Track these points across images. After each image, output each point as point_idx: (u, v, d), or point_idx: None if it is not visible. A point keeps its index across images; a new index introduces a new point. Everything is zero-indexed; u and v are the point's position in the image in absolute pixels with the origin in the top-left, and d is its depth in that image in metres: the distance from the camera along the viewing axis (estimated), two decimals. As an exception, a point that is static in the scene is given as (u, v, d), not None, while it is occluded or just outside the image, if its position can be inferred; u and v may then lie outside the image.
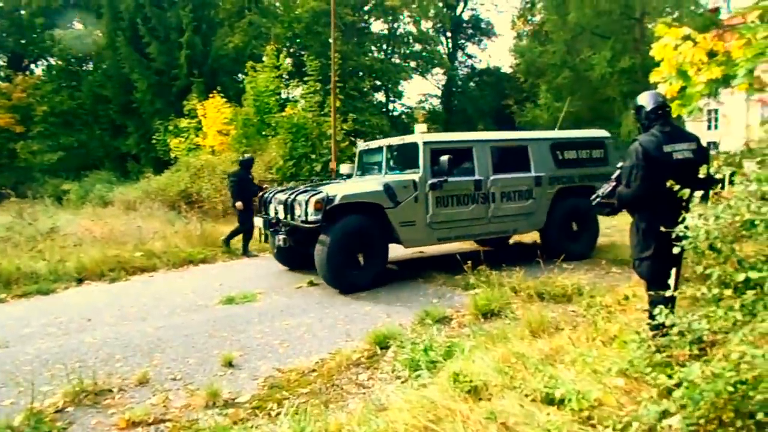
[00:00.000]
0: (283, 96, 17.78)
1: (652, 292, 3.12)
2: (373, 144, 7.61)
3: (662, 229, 2.90)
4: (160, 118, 18.70)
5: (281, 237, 6.37)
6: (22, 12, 27.49)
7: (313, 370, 3.79)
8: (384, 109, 36.90)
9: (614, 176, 3.61)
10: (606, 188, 3.62)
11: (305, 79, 14.73)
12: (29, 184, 21.60)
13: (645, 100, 3.44)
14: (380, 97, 38.24)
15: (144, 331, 4.78)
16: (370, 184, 6.33)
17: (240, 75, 21.30)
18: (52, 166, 23.60)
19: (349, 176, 7.69)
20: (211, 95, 15.95)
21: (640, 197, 3.32)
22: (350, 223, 5.94)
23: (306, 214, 5.83)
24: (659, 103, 3.41)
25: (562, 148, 7.42)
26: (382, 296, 5.79)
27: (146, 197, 13.30)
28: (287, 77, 17.44)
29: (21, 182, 21.86)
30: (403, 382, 3.46)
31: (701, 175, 2.75)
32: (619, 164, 3.62)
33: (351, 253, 5.98)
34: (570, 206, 7.33)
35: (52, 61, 28.53)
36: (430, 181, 6.33)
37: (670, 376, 2.26)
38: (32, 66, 30.75)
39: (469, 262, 5.16)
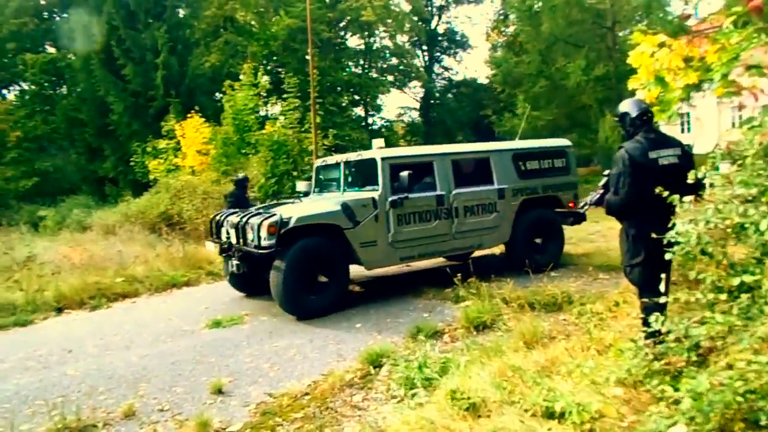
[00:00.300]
0: (262, 114, 17.71)
1: (645, 299, 3.09)
2: (330, 160, 7.33)
3: (653, 235, 2.89)
4: (138, 140, 18.45)
5: (234, 263, 6.03)
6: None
7: (306, 394, 3.70)
8: (363, 123, 37.01)
9: (601, 184, 3.62)
10: (594, 196, 3.63)
11: (284, 96, 14.67)
12: (3, 211, 21.11)
13: (629, 107, 3.46)
14: (359, 111, 38.37)
15: (128, 360, 4.63)
16: (327, 203, 6.03)
17: (218, 94, 21.18)
18: (27, 192, 23.07)
19: (306, 194, 7.38)
20: (189, 115, 15.79)
21: (629, 204, 3.31)
22: (307, 246, 5.62)
23: (259, 239, 5.49)
24: (643, 109, 3.43)
25: (524, 158, 7.26)
26: (372, 313, 5.72)
27: (126, 221, 13.05)
28: (265, 95, 17.35)
29: (-5, 210, 21.36)
30: (399, 402, 3.38)
31: (690, 181, 2.74)
32: (606, 172, 3.63)
33: (308, 278, 5.67)
34: (535, 218, 7.21)
35: (25, 85, 28.08)
36: (390, 199, 6.06)
37: (676, 388, 2.21)
38: (4, 91, 30.26)
39: (459, 274, 5.13)
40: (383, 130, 40.28)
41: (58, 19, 26.93)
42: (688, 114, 26.28)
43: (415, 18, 39.40)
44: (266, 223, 5.43)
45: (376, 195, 6.05)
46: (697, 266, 2.68)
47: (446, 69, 45.29)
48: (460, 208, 6.60)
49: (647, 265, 3.31)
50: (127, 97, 20.73)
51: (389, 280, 7.50)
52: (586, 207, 3.72)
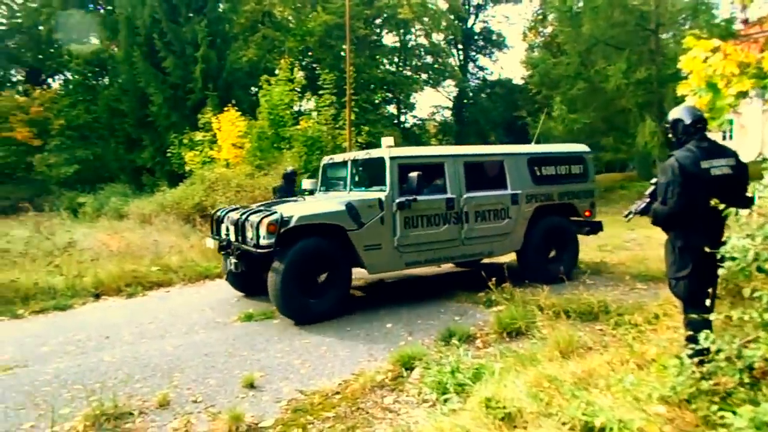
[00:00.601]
0: (296, 109, 17.83)
1: (694, 315, 2.97)
2: (338, 158, 7.09)
3: (706, 249, 2.78)
4: (175, 132, 18.81)
5: (233, 261, 5.81)
6: (41, 27, 27.99)
7: (337, 393, 3.69)
8: (396, 121, 36.99)
9: (648, 192, 3.49)
10: (639, 204, 3.50)
11: (320, 92, 14.74)
12: (45, 196, 21.85)
13: (682, 113, 3.32)
14: (392, 109, 38.38)
15: (163, 349, 4.71)
16: (331, 203, 5.79)
17: (253, 88, 21.43)
18: (68, 179, 23.81)
19: (311, 192, 7.15)
20: (225, 109, 16.01)
21: (677, 214, 3.19)
22: (307, 247, 5.39)
23: (258, 238, 5.28)
24: (697, 117, 3.28)
25: (540, 163, 6.97)
26: (402, 313, 5.69)
27: (161, 210, 13.32)
28: (300, 90, 17.48)
29: (37, 195, 22.12)
30: (431, 406, 3.34)
31: (749, 194, 2.62)
32: (653, 180, 3.51)
33: (308, 281, 5.44)
34: (549, 226, 6.93)
35: (69, 75, 28.96)
36: (397, 200, 5.81)
37: (733, 412, 2.11)
38: (49, 80, 31.28)
39: (494, 278, 5.05)
40: (415, 128, 40.22)
41: (102, 11, 27.65)
42: (731, 121, 25.42)
43: (452, 16, 39.12)
44: (266, 221, 5.23)
45: (382, 196, 5.82)
46: (753, 284, 2.55)
47: (481, 68, 44.89)
48: (470, 213, 6.33)
49: (694, 279, 3.19)
50: (166, 89, 21.16)
51: (419, 281, 7.45)
52: (630, 216, 3.59)
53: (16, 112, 24.35)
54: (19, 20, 28.34)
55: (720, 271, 2.71)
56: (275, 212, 5.33)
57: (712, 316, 2.81)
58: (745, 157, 4.12)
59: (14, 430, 3.23)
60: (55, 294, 6.76)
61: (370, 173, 6.43)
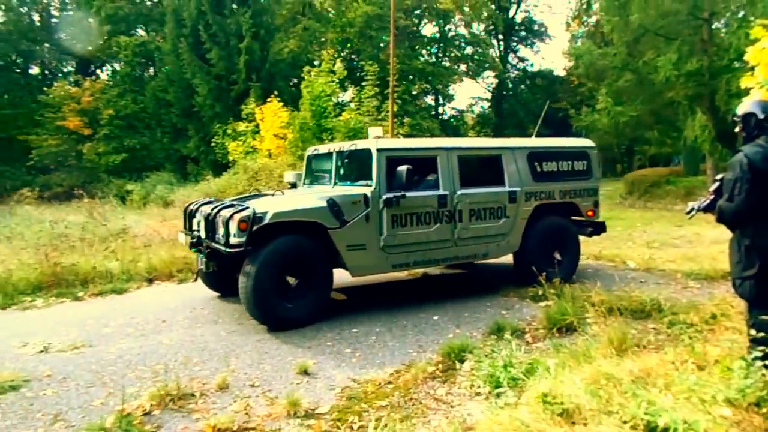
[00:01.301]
0: (335, 100, 17.96)
1: (764, 316, 2.89)
2: (323, 148, 6.56)
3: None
4: (219, 122, 19.24)
5: (203, 259, 5.41)
6: (90, 20, 28.93)
7: (390, 382, 3.74)
8: (434, 113, 36.78)
9: (713, 188, 3.39)
10: (703, 201, 3.40)
11: (363, 83, 14.79)
12: (95, 184, 22.72)
13: (754, 107, 3.19)
14: (430, 100, 38.18)
15: (217, 334, 4.86)
16: (311, 198, 5.33)
17: (295, 79, 21.68)
18: (116, 167, 24.69)
19: (294, 186, 6.69)
20: (268, 99, 16.26)
21: (744, 212, 3.09)
22: (283, 247, 4.94)
23: (227, 235, 4.85)
24: (771, 111, 3.16)
25: (541, 158, 6.49)
26: (448, 305, 5.70)
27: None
28: (338, 81, 17.61)
29: (88, 182, 23.02)
30: (484, 399, 3.36)
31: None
32: (719, 176, 3.40)
33: (284, 283, 5.05)
34: (549, 226, 6.47)
35: (117, 66, 29.90)
36: (384, 196, 5.34)
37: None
38: (98, 71, 32.36)
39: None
40: (453, 120, 39.92)
41: (149, 3, 28.38)
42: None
43: (493, 6, 38.52)
44: (237, 217, 4.76)
45: (368, 191, 5.35)
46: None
47: (522, 59, 44.13)
48: (464, 212, 5.85)
49: (761, 279, 3.09)
50: (211, 80, 21.64)
51: (464, 275, 7.44)
52: (693, 212, 3.49)
53: (68, 102, 25.33)
54: (70, 12, 29.36)
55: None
56: (247, 207, 4.87)
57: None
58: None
59: (86, 406, 3.40)
60: (111, 278, 7.05)
61: (356, 166, 5.90)
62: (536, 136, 7.33)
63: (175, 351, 4.40)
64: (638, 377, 3.24)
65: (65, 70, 32.45)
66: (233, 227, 4.77)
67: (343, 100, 19.38)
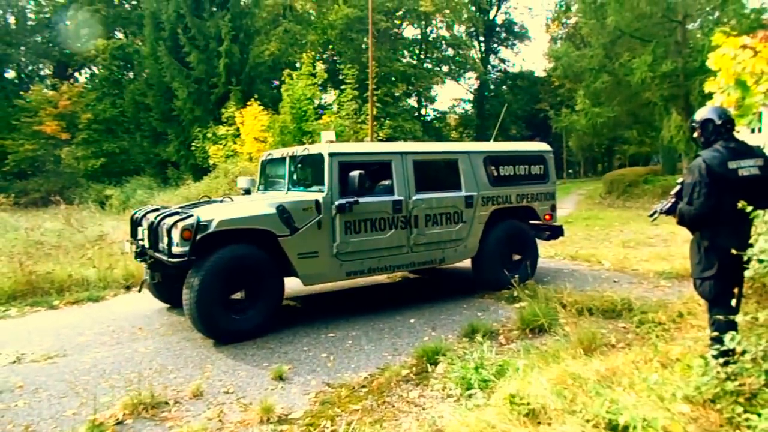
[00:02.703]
0: (317, 103, 17.98)
1: (720, 316, 2.99)
2: (276, 153, 6.40)
3: (733, 251, 2.80)
4: (199, 126, 19.13)
5: (147, 270, 5.27)
6: (68, 23, 28.58)
7: (364, 386, 3.79)
8: (416, 114, 36.93)
9: (674, 192, 3.50)
10: (666, 204, 3.51)
11: (342, 87, 14.82)
12: (73, 189, 22.44)
13: (712, 113, 3.30)
14: (412, 102, 38.34)
15: (194, 341, 4.86)
16: (260, 205, 5.14)
17: (276, 82, 21.65)
18: (95, 172, 24.42)
19: (247, 192, 6.46)
20: (248, 103, 16.21)
21: (703, 215, 3.19)
22: (229, 256, 4.73)
23: (170, 245, 4.62)
24: (727, 117, 3.28)
25: (498, 162, 6.44)
26: (425, 308, 5.77)
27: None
28: (320, 84, 17.64)
29: (66, 187, 22.73)
30: (455, 401, 3.42)
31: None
32: (680, 180, 3.51)
33: (231, 294, 4.88)
34: (506, 230, 6.42)
35: (96, 69, 29.56)
36: (337, 202, 5.21)
37: (758, 414, 2.15)
38: (76, 74, 31.95)
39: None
40: (435, 121, 40.12)
41: (128, 6, 28.10)
42: (760, 115, 24.77)
43: (474, 8, 38.83)
44: (180, 225, 4.54)
45: (320, 197, 5.21)
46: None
47: (503, 61, 44.68)
48: (420, 217, 5.76)
49: (719, 279, 3.20)
50: (190, 83, 21.51)
51: (443, 277, 7.52)
52: (656, 215, 3.60)
53: (45, 106, 24.99)
54: (47, 15, 28.95)
55: (747, 272, 2.73)
56: (191, 215, 4.66)
57: (738, 317, 2.83)
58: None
59: (58, 416, 3.39)
60: (88, 286, 6.99)
61: (310, 172, 5.80)
62: (522, 137, 7.45)
63: (150, 359, 4.40)
64: (604, 376, 3.33)
65: (42, 73, 31.99)
66: (176, 236, 4.56)
67: (324, 103, 19.39)
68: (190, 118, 21.51)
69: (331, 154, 5.34)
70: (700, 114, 3.40)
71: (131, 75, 28.33)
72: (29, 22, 30.06)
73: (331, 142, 5.70)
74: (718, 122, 3.27)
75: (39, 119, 24.66)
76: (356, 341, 4.76)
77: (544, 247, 9.11)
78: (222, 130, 16.98)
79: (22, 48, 29.57)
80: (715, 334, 2.99)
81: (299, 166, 5.89)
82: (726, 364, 2.72)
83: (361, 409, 3.41)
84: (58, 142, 25.10)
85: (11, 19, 30.14)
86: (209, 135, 17.85)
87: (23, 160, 24.27)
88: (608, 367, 3.46)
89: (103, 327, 5.38)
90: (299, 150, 5.84)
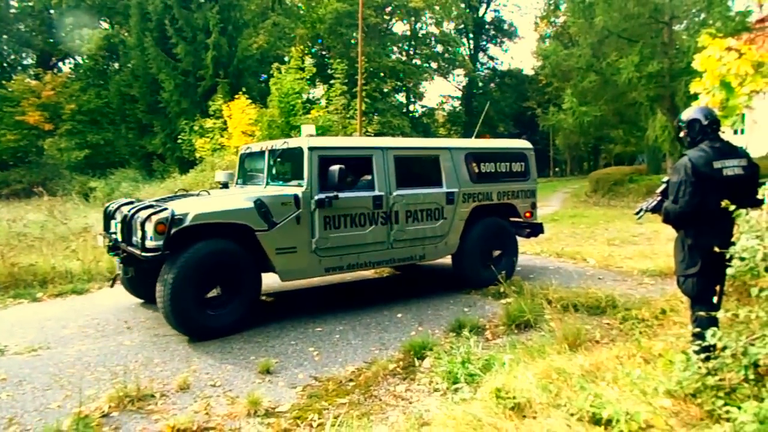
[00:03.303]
0: (306, 98, 17.92)
1: (702, 312, 3.05)
2: (255, 147, 6.29)
3: (716, 249, 2.85)
4: (186, 118, 18.96)
5: (120, 265, 5.16)
6: (51, 11, 28.09)
7: (351, 380, 3.81)
8: (405, 110, 36.94)
9: (659, 190, 3.56)
10: (651, 202, 3.57)
11: (331, 81, 14.78)
12: (57, 180, 22.10)
13: (698, 114, 3.36)
14: (401, 98, 38.34)
15: (180, 334, 4.81)
16: (237, 199, 5.04)
17: (264, 76, 21.51)
18: (79, 164, 24.09)
19: (225, 186, 6.37)
20: (236, 96, 16.10)
21: (688, 214, 3.25)
22: (205, 251, 4.63)
23: (144, 239, 4.49)
24: (713, 117, 3.34)
25: (479, 159, 6.43)
26: (412, 303, 5.79)
27: (172, 197, 13.47)
28: (310, 79, 17.57)
29: (49, 179, 22.37)
30: (442, 395, 3.45)
31: (760, 196, 2.68)
32: (665, 178, 3.57)
33: (207, 290, 4.80)
34: (487, 227, 6.41)
35: (80, 59, 29.11)
36: (316, 197, 5.14)
37: (737, 407, 2.19)
38: (60, 64, 31.43)
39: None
40: (424, 118, 40.17)
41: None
42: (743, 117, 25.16)
43: (463, 5, 38.87)
44: (154, 218, 4.44)
45: (299, 191, 5.14)
46: (760, 283, 2.63)
47: (491, 58, 44.85)
48: (400, 213, 5.72)
49: (702, 277, 3.26)
50: (177, 75, 21.30)
51: (431, 272, 7.55)
52: (642, 213, 3.65)
53: (27, 96, 24.56)
54: (30, 3, 28.43)
55: (729, 270, 2.78)
56: (166, 208, 4.56)
57: (719, 314, 2.89)
58: (756, 152, 4.16)
59: (42, 409, 3.36)
60: (72, 278, 6.91)
61: (289, 166, 5.76)
62: (510, 134, 7.48)
63: (135, 352, 4.37)
64: (588, 371, 3.38)
65: (25, 62, 31.44)
66: (150, 230, 4.44)
67: (313, 98, 19.32)
68: (176, 110, 21.31)
69: (310, 148, 5.27)
70: (687, 114, 3.46)
71: (117, 66, 27.95)
72: (12, 10, 29.49)
73: (311, 135, 5.60)
74: (705, 122, 3.32)
75: (21, 109, 24.23)
76: (343, 335, 4.78)
77: (530, 244, 9.20)
78: (209, 123, 16.85)
79: (5, 36, 29.01)
80: (697, 330, 3.05)
81: (278, 159, 5.81)
82: (707, 359, 2.77)
83: (348, 403, 3.43)
84: (41, 132, 24.70)
85: (-7, 7, 29.56)
86: (196, 128, 17.71)
87: (5, 151, 23.85)
88: (592, 362, 3.52)
89: (87, 320, 5.33)
90: (278, 143, 5.77)
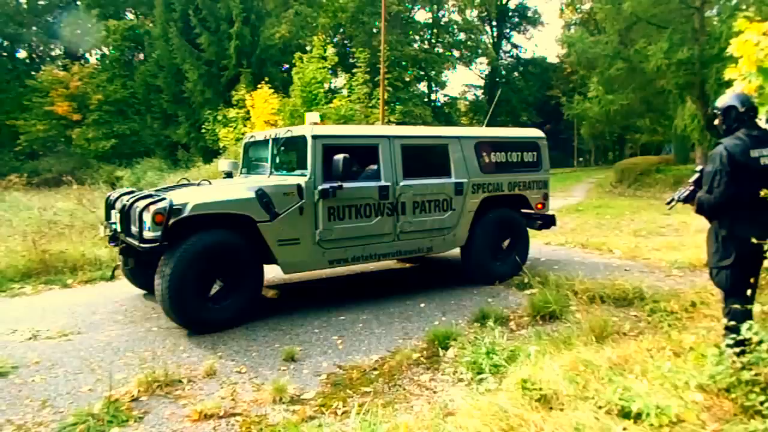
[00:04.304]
0: (327, 87, 17.91)
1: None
2: (259, 135, 6.14)
3: (753, 240, 2.76)
4: (210, 108, 19.11)
5: (119, 256, 5.05)
6: (78, 3, 28.53)
7: (375, 369, 3.81)
8: (427, 100, 36.70)
9: (693, 179, 3.46)
10: (683, 192, 3.47)
11: (354, 70, 14.73)
12: (84, 170, 22.58)
13: (735, 100, 3.25)
14: (423, 87, 38.09)
15: (206, 321, 4.89)
16: (239, 189, 4.89)
17: (286, 65, 21.56)
18: (106, 153, 24.55)
19: (229, 175, 6.22)
20: (258, 86, 16.16)
21: (722, 204, 3.16)
22: (205, 243, 4.50)
23: (141, 229, 4.39)
24: (751, 104, 3.22)
25: (489, 149, 6.22)
26: (435, 293, 5.77)
27: (197, 186, 13.63)
28: (332, 68, 17.54)
29: (77, 168, 22.87)
30: (466, 385, 3.44)
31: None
32: (699, 167, 3.47)
33: (207, 282, 4.67)
34: (497, 219, 6.20)
35: (106, 50, 29.56)
36: (320, 187, 4.98)
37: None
38: (87, 55, 31.97)
39: (528, 261, 5.08)
40: (446, 107, 39.87)
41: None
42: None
43: (487, -8, 38.31)
44: (152, 208, 4.32)
45: (302, 181, 4.98)
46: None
47: (515, 46, 44.18)
48: (407, 204, 5.55)
49: (736, 269, 3.17)
50: (201, 65, 21.48)
51: (450, 263, 7.52)
52: (673, 203, 3.56)
53: (56, 87, 25.07)
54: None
55: (765, 263, 2.70)
56: (164, 198, 4.44)
57: (755, 308, 2.81)
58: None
59: (74, 392, 3.44)
60: (101, 265, 7.05)
61: (293, 155, 5.61)
62: (533, 124, 7.35)
63: (163, 338, 4.45)
64: (616, 364, 3.33)
65: (53, 54, 32.04)
66: (148, 220, 4.32)
67: (335, 87, 19.30)
68: (200, 100, 21.52)
69: (314, 137, 5.09)
70: (723, 101, 3.35)
71: (142, 56, 28.31)
72: (40, 2, 30.04)
73: (316, 123, 5.42)
74: (741, 109, 3.21)
75: (50, 100, 24.77)
76: (367, 324, 4.78)
77: (554, 235, 9.10)
78: (232, 112, 16.95)
79: (33, 28, 29.60)
80: (731, 323, 2.97)
81: (282, 148, 5.66)
82: (741, 353, 2.70)
83: (373, 392, 3.44)
84: (69, 122, 25.23)
85: (22, 0, 30.14)
86: (219, 117, 17.83)
87: (35, 141, 24.44)
88: (620, 355, 3.46)
89: (116, 306, 5.43)
90: (282, 132, 5.61)
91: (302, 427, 2.93)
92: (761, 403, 2.37)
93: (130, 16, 29.76)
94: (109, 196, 5.64)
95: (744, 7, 16.60)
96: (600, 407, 2.72)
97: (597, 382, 2.99)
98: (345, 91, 15.45)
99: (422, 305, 5.35)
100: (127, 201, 4.88)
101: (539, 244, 8.45)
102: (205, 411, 3.12)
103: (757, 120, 3.30)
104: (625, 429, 2.54)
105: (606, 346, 3.66)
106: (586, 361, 3.28)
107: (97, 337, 4.49)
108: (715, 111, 3.36)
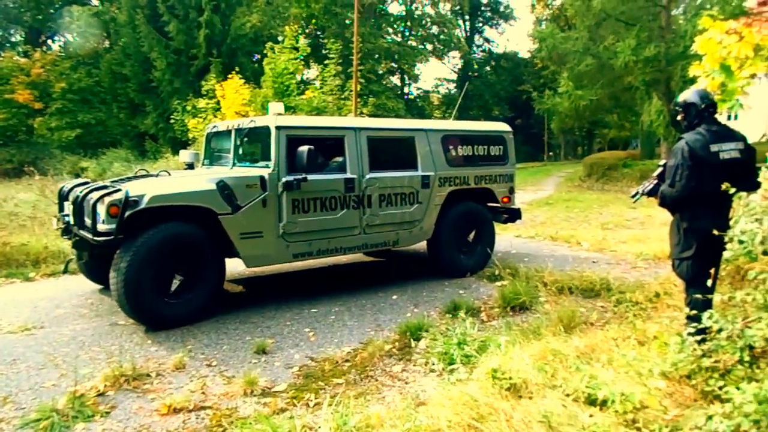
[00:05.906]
0: (299, 78, 17.72)
1: (698, 295, 3.07)
2: (222, 125, 5.98)
3: (714, 231, 2.85)
4: (179, 98, 18.71)
5: (73, 249, 4.94)
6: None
7: (347, 360, 3.82)
8: (400, 93, 36.71)
9: (656, 173, 3.56)
10: (647, 186, 3.56)
11: (325, 62, 14.61)
12: (47, 160, 21.86)
13: (694, 97, 3.34)
14: (396, 80, 38.08)
15: (174, 314, 4.81)
16: (199, 180, 4.71)
17: (258, 55, 21.25)
18: (70, 143, 23.82)
19: (190, 166, 6.05)
20: (229, 76, 15.89)
21: (684, 197, 3.25)
22: (162, 236, 4.34)
23: (95, 222, 4.23)
24: (710, 100, 3.32)
25: (457, 142, 6.22)
26: (408, 285, 5.80)
27: (165, 177, 13.38)
28: (304, 59, 17.35)
29: (39, 158, 22.14)
30: (438, 376, 3.47)
31: (760, 179, 2.68)
32: (662, 162, 3.56)
33: (165, 277, 4.51)
34: (463, 212, 6.24)
35: (70, 37, 28.63)
36: (284, 179, 4.88)
37: (737, 388, 2.21)
38: (49, 42, 30.90)
39: (499, 253, 5.15)
40: (419, 100, 39.95)
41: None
42: (740, 104, 25.20)
43: (460, -14, 38.44)
44: (107, 200, 4.15)
45: (266, 173, 4.87)
46: (759, 267, 2.64)
47: (487, 41, 44.50)
48: (373, 197, 5.49)
49: (697, 260, 3.28)
50: (169, 54, 21.01)
51: (421, 256, 7.56)
52: (638, 197, 3.65)
53: (17, 74, 24.17)
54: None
55: (727, 254, 2.79)
56: (120, 190, 4.26)
57: (715, 297, 2.90)
58: (750, 137, 4.16)
59: (37, 388, 3.35)
60: (64, 258, 6.84)
61: (257, 146, 5.50)
62: (504, 118, 7.41)
63: (131, 332, 4.36)
64: (583, 353, 3.41)
65: (13, 40, 30.86)
66: (102, 212, 4.17)
67: (307, 78, 19.12)
68: (169, 89, 21.06)
69: (278, 127, 4.96)
70: (684, 97, 3.44)
71: (107, 44, 27.50)
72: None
73: (280, 114, 5.26)
74: (701, 105, 3.31)
75: (11, 87, 23.85)
76: (339, 317, 4.78)
77: (525, 228, 9.24)
78: (202, 103, 16.63)
79: (-7, 12, 28.47)
80: (693, 312, 3.07)
81: (245, 139, 5.52)
82: (702, 341, 2.79)
83: (345, 383, 3.45)
84: (30, 111, 24.37)
85: (-20, -18, 28.92)
86: (189, 108, 17.48)
87: (-6, 130, 23.56)
88: (587, 344, 3.54)
89: (81, 300, 5.30)
90: (245, 122, 5.48)
91: (274, 420, 2.91)
92: (720, 389, 2.45)
93: (94, 2, 28.84)
94: (63, 187, 5.42)
95: (708, 6, 17.07)
96: (567, 395, 2.78)
97: (565, 370, 3.05)
98: (317, 83, 15.33)
99: (394, 297, 5.37)
100: (81, 192, 4.68)
101: (510, 236, 8.58)
102: (175, 405, 3.08)
103: (716, 115, 3.40)
104: (591, 416, 2.61)
105: (574, 336, 3.74)
106: (554, 350, 3.35)
107: (62, 331, 4.37)
108: (677, 107, 3.46)
